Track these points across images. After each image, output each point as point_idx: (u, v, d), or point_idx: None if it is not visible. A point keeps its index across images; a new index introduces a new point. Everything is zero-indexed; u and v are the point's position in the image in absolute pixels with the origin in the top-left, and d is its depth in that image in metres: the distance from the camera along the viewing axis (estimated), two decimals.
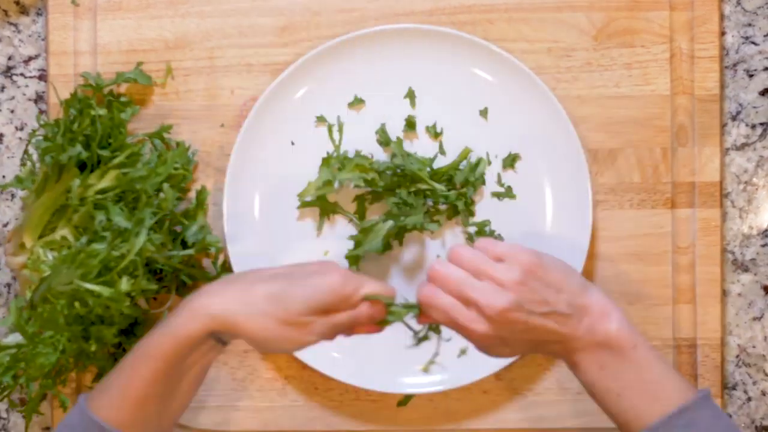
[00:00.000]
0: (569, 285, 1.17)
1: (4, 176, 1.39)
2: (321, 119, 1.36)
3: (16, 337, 1.28)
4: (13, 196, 1.39)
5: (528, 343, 1.17)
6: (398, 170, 1.34)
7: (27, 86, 1.40)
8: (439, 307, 1.17)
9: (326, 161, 1.35)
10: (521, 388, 1.38)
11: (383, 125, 1.36)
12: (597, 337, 1.16)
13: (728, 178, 1.39)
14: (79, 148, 1.29)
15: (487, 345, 1.18)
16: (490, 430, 1.38)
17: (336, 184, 1.34)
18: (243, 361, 1.38)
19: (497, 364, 1.34)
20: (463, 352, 1.35)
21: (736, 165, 1.39)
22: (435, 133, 1.36)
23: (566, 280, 1.17)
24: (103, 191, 1.31)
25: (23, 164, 1.34)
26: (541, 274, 1.17)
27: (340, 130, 1.36)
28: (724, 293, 1.39)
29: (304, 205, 1.35)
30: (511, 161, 1.36)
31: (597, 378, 1.17)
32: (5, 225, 1.39)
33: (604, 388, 1.16)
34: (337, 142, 1.36)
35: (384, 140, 1.36)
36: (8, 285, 1.39)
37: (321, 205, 1.35)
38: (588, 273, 1.37)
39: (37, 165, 1.33)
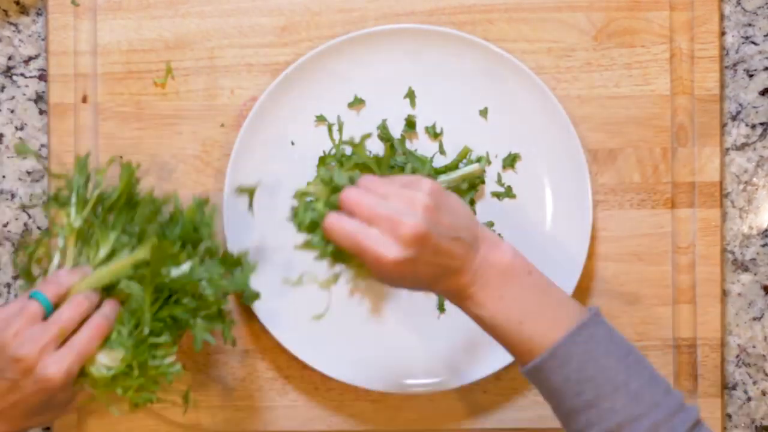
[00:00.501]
0: (466, 215, 1.18)
1: (4, 176, 1.39)
2: (321, 118, 1.36)
3: None
4: (13, 195, 1.39)
5: (432, 271, 1.16)
6: (397, 166, 1.34)
7: (27, 86, 1.40)
8: (345, 230, 1.15)
9: (323, 160, 1.35)
10: (521, 388, 1.38)
11: (385, 121, 1.36)
12: (493, 267, 1.17)
13: (728, 178, 1.39)
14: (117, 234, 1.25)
15: (391, 273, 1.15)
16: (490, 429, 1.38)
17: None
18: (243, 361, 1.38)
19: (497, 363, 1.34)
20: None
21: (736, 165, 1.39)
22: (435, 134, 1.36)
23: (462, 210, 1.18)
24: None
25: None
26: (444, 200, 1.17)
27: (340, 130, 1.36)
28: (724, 293, 1.39)
29: None
30: (511, 161, 1.36)
31: (497, 309, 1.17)
32: (5, 225, 1.39)
33: (505, 319, 1.16)
34: (337, 142, 1.36)
35: (386, 136, 1.36)
36: (8, 285, 1.39)
37: None
38: (588, 273, 1.37)
39: None
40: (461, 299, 1.18)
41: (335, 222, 1.16)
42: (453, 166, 1.35)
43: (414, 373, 1.36)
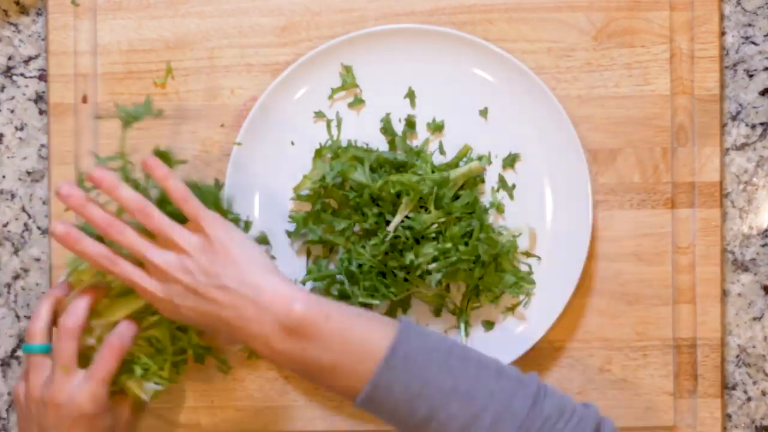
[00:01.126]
0: (246, 263, 1.17)
1: (4, 176, 1.39)
2: (319, 114, 1.36)
3: None
4: (13, 196, 1.39)
5: (201, 318, 1.18)
6: (397, 160, 1.34)
7: (27, 86, 1.40)
8: (90, 255, 1.19)
9: (319, 152, 1.35)
10: None
11: (388, 114, 1.36)
12: (285, 323, 1.16)
13: (728, 178, 1.39)
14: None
15: (162, 308, 1.19)
16: None
17: (330, 177, 1.33)
18: (243, 362, 1.38)
19: None
20: None
21: (736, 165, 1.39)
22: (436, 125, 1.35)
23: (244, 257, 1.17)
24: None
25: None
26: (223, 246, 1.17)
27: (339, 126, 1.36)
28: (724, 293, 1.39)
29: (300, 198, 1.35)
30: (511, 161, 1.36)
31: (306, 361, 1.16)
32: (5, 225, 1.39)
33: (318, 368, 1.17)
34: (335, 137, 1.36)
35: (388, 130, 1.35)
36: (8, 285, 1.39)
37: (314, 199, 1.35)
38: (588, 273, 1.37)
39: None
40: (271, 358, 1.18)
41: (72, 242, 1.19)
42: (453, 164, 1.35)
43: None
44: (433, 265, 1.31)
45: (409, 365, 1.14)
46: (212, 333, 1.27)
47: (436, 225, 1.31)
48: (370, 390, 1.15)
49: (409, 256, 1.30)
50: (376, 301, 1.31)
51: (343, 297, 1.32)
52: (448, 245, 1.30)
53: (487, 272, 1.33)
